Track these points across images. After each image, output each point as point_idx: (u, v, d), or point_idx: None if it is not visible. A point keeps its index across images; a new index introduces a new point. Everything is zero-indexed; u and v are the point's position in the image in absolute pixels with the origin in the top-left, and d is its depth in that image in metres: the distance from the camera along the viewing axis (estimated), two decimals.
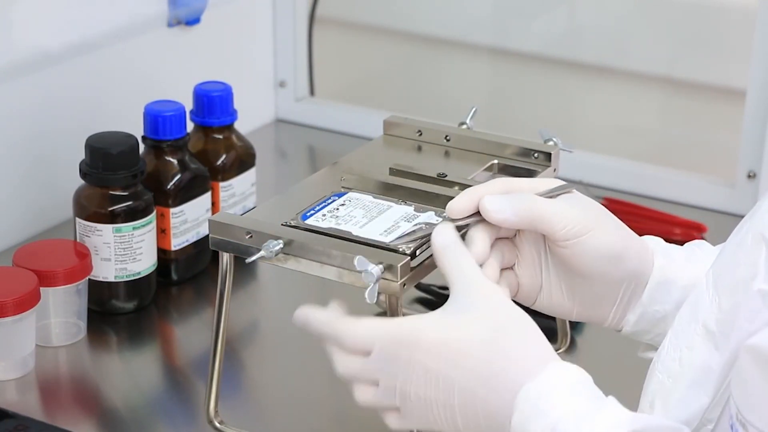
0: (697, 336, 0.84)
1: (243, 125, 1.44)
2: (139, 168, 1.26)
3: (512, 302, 0.89)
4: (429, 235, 0.94)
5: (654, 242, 1.00)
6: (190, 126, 1.36)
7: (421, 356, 0.85)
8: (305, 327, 0.91)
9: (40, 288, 1.17)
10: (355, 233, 0.98)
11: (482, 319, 0.86)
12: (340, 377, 0.90)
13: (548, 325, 1.07)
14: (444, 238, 0.91)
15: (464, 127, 1.18)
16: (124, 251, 1.26)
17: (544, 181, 0.98)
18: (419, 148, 1.17)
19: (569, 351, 1.21)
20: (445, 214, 0.95)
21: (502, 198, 0.93)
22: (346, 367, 0.89)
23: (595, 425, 0.81)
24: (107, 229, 1.25)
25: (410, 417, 0.88)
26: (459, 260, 0.90)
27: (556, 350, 1.02)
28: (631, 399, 0.85)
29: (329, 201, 1.04)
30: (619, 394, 0.84)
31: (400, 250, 0.96)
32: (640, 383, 0.98)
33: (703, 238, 1.46)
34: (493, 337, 0.85)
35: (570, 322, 1.22)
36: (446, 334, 0.86)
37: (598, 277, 0.95)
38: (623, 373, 1.00)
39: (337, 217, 1.01)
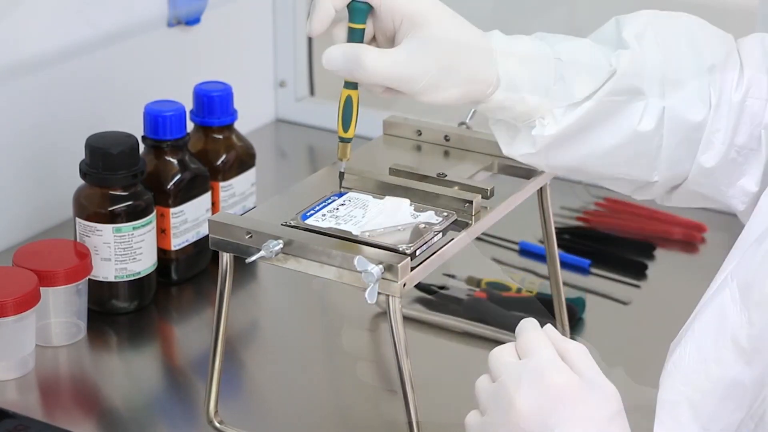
0: (725, 350, 0.84)
1: (243, 125, 1.44)
2: (139, 168, 1.26)
3: None
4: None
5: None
6: (190, 126, 1.36)
7: None
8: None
9: (40, 288, 1.17)
10: (355, 233, 0.98)
11: None
12: None
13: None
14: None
15: (464, 127, 1.18)
16: (124, 251, 1.26)
17: None
18: (419, 148, 1.17)
19: None
20: None
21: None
22: None
23: None
24: (107, 229, 1.25)
25: None
26: None
27: None
28: (629, 399, 0.85)
29: (329, 201, 1.04)
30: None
31: (400, 250, 0.96)
32: (640, 383, 0.98)
33: (703, 239, 1.46)
34: None
35: (569, 321, 1.22)
36: None
37: None
38: (622, 372, 0.99)
39: (337, 216, 1.01)
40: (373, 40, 1.02)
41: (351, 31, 1.00)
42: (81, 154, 1.26)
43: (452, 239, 1.01)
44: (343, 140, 1.04)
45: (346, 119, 1.03)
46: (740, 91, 1.02)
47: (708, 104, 1.02)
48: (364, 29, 1.00)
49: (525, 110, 1.01)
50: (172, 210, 1.31)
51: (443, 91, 0.99)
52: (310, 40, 1.78)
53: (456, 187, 1.06)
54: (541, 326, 0.87)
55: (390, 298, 0.94)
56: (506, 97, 1.00)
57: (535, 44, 1.02)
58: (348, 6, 0.99)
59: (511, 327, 0.92)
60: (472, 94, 1.00)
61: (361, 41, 1.00)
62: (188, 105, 1.36)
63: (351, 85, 1.02)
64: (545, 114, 1.01)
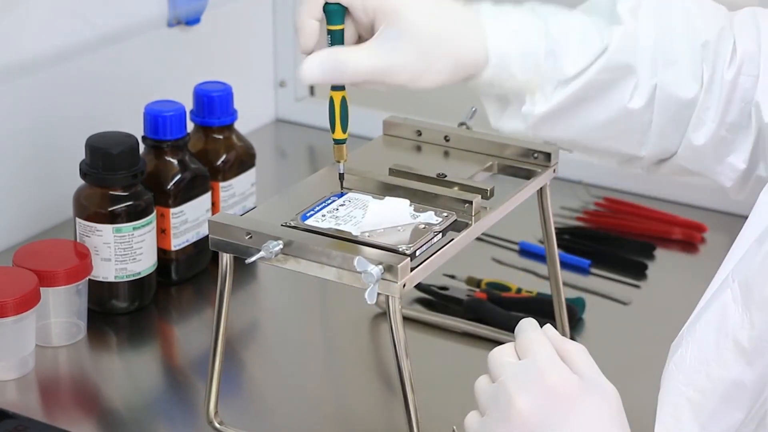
0: (726, 351, 0.84)
1: (243, 125, 1.44)
2: (139, 168, 1.26)
3: None
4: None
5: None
6: (190, 126, 1.36)
7: None
8: None
9: (40, 288, 1.17)
10: (354, 234, 0.98)
11: None
12: None
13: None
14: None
15: (464, 127, 1.18)
16: (124, 251, 1.26)
17: None
18: (419, 148, 1.17)
19: None
20: None
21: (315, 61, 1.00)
22: None
23: None
24: (107, 229, 1.25)
25: None
26: None
27: None
28: (629, 400, 0.86)
29: (329, 201, 1.04)
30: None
31: (400, 250, 0.96)
32: (639, 384, 0.98)
33: (703, 239, 1.46)
34: None
35: (569, 321, 1.22)
36: None
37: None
38: (622, 373, 0.99)
39: (336, 217, 1.01)
40: (359, 39, 1.02)
41: (330, 33, 1.01)
42: (81, 154, 1.26)
43: (452, 239, 1.01)
44: (337, 142, 1.04)
45: (341, 121, 1.03)
46: (733, 68, 1.02)
47: (700, 81, 1.02)
48: (342, 30, 1.00)
49: (515, 86, 1.01)
50: (172, 210, 1.31)
51: (429, 77, 0.99)
52: None
53: (456, 188, 1.06)
54: (541, 326, 0.87)
55: (390, 298, 0.94)
56: (496, 73, 1.00)
57: (525, 18, 1.02)
58: (323, 9, 0.99)
59: (511, 327, 0.92)
60: (461, 74, 1.00)
61: (342, 42, 1.00)
62: (188, 105, 1.36)
63: (337, 86, 1.02)
64: (535, 90, 1.01)
